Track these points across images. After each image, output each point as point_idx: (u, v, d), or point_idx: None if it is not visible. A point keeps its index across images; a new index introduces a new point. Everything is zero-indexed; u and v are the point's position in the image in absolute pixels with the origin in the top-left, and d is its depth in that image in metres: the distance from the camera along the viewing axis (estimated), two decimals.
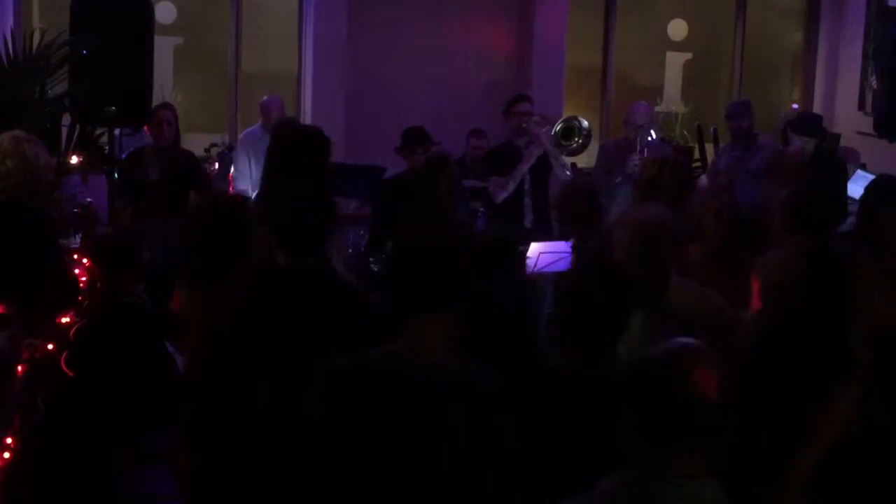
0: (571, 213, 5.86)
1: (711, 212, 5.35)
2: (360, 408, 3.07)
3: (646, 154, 7.39)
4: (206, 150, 8.75)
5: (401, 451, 3.07)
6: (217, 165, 8.38)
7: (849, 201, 7.56)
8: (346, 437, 3.07)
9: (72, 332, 4.90)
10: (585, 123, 7.57)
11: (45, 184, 5.44)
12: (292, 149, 5.23)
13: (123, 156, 7.57)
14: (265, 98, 9.24)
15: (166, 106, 7.81)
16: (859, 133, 9.93)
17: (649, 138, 7.69)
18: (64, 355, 4.76)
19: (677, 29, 11.53)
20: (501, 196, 7.24)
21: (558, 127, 7.50)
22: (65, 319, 5.11)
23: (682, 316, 3.88)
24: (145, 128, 7.61)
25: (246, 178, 8.65)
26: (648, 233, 4.07)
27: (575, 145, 7.57)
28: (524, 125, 7.52)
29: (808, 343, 3.45)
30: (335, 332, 3.57)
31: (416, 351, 3.10)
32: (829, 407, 3.38)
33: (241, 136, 9.55)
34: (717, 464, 2.42)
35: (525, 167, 7.31)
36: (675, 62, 11.62)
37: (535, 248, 5.91)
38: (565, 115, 9.48)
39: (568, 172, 7.45)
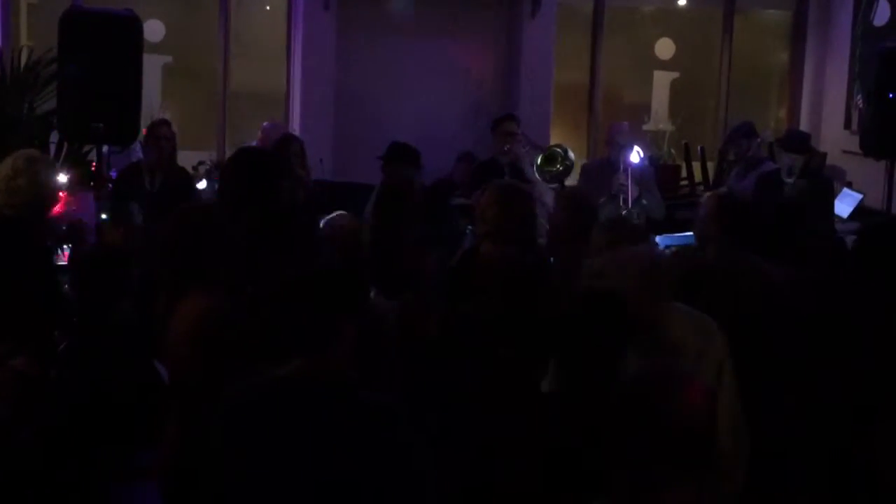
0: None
1: None
2: (260, 435, 2.90)
3: (629, 173, 7.50)
4: (194, 168, 8.74)
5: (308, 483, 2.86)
6: (205, 184, 8.36)
7: (836, 220, 7.59)
8: (245, 467, 2.90)
9: (60, 350, 4.89)
10: (570, 153, 7.64)
11: (52, 205, 5.49)
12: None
13: (112, 173, 7.58)
14: (267, 124, 9.18)
15: (164, 123, 7.88)
16: (845, 152, 9.97)
17: (639, 158, 7.77)
18: (53, 373, 4.75)
19: (664, 48, 11.58)
20: None
21: (540, 155, 7.59)
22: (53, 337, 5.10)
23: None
24: (137, 144, 7.63)
25: None
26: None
27: (556, 171, 7.65)
28: (506, 147, 7.62)
29: None
30: None
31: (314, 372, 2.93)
32: None
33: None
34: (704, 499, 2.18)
35: None
36: (662, 81, 11.66)
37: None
38: (552, 134, 9.54)
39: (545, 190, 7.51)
